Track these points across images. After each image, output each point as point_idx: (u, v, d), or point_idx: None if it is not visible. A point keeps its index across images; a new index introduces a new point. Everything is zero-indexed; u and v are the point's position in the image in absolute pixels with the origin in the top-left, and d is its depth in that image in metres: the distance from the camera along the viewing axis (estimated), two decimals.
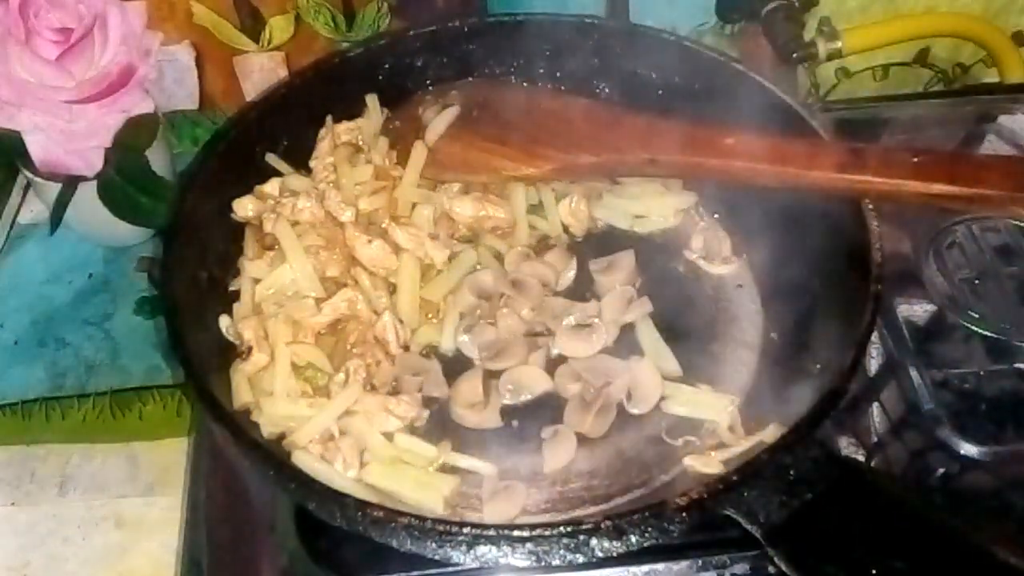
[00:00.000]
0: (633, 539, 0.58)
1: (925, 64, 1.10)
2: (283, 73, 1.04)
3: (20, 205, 1.04)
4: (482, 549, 0.57)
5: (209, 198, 0.78)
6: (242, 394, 0.71)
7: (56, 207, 0.89)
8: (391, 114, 0.89)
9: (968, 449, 0.73)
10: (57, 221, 0.90)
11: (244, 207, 0.80)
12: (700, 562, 0.67)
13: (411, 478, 0.67)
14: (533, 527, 0.56)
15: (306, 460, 0.66)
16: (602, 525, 0.55)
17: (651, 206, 0.85)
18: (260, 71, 1.04)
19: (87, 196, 0.89)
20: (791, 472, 0.58)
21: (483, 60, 0.91)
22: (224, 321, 0.75)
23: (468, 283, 0.79)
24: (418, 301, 0.77)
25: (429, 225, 0.80)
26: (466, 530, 0.56)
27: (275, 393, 0.70)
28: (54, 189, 0.89)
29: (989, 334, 0.79)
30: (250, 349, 0.71)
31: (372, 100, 0.88)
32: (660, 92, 0.88)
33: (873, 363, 0.80)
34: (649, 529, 0.57)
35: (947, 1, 1.05)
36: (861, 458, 0.74)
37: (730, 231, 0.85)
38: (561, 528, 0.55)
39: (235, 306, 0.76)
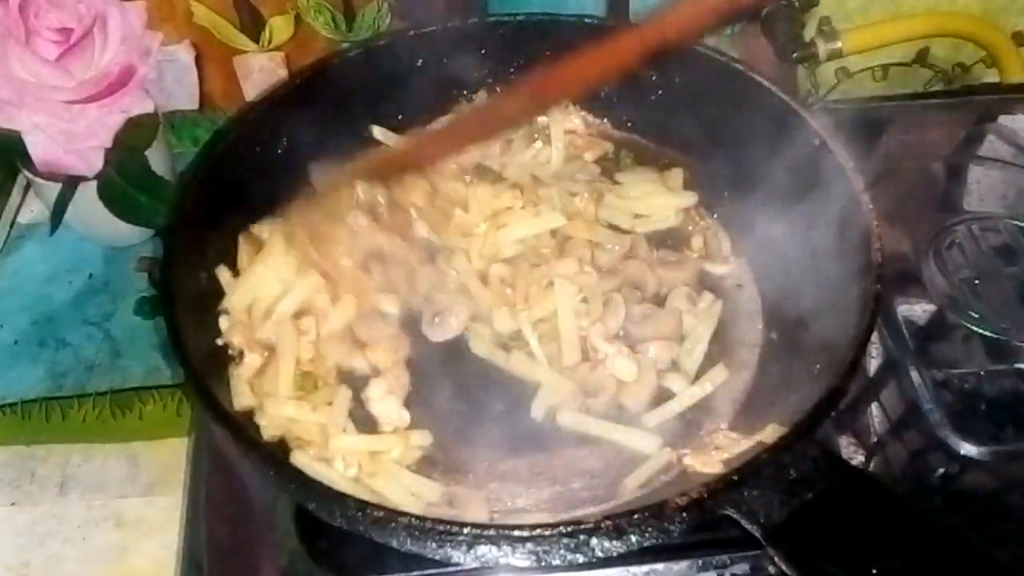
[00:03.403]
0: (633, 539, 0.58)
1: (925, 64, 1.10)
2: (283, 73, 1.04)
3: (20, 205, 1.04)
4: (482, 549, 0.57)
5: (209, 198, 0.77)
6: (243, 396, 0.71)
7: (56, 207, 0.89)
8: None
9: (968, 449, 0.73)
10: (57, 221, 0.90)
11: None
12: (700, 562, 0.67)
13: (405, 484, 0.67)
14: (533, 527, 0.56)
15: (305, 460, 0.66)
16: (602, 525, 0.55)
17: (652, 206, 0.85)
18: (260, 71, 1.04)
19: (87, 196, 0.89)
20: (791, 472, 0.58)
21: (483, 60, 0.91)
22: (224, 322, 0.75)
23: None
24: None
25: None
26: (466, 530, 0.56)
27: (279, 395, 0.70)
28: (54, 189, 0.89)
29: (989, 334, 0.79)
30: (241, 353, 0.72)
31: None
32: (660, 92, 0.88)
33: (873, 363, 0.80)
34: (649, 529, 0.57)
35: (947, 1, 1.05)
36: (861, 458, 0.74)
37: (730, 231, 0.85)
38: (561, 528, 0.55)
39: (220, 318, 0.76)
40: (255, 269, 0.76)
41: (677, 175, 0.87)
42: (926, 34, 1.06)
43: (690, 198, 0.86)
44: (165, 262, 0.71)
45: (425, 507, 0.66)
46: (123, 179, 0.89)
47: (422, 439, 0.70)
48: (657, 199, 0.85)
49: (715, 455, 0.66)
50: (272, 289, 0.76)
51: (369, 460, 0.68)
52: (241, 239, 0.80)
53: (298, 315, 0.75)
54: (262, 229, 0.81)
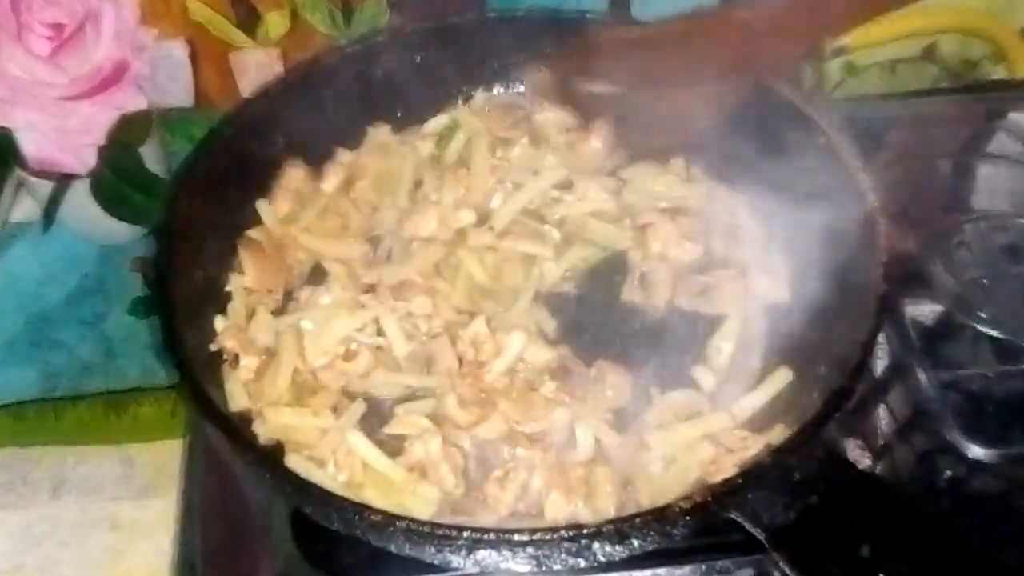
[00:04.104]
0: (636, 543, 0.57)
1: (932, 60, 1.09)
2: (279, 69, 1.03)
3: (12, 203, 1.03)
4: (482, 553, 0.56)
5: (204, 196, 0.77)
6: (238, 398, 0.70)
7: (49, 205, 0.89)
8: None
9: (976, 452, 0.72)
10: (50, 220, 0.89)
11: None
12: (704, 566, 0.67)
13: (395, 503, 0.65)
14: (534, 531, 0.55)
15: (299, 463, 0.65)
16: (604, 529, 0.55)
17: (674, 197, 0.84)
18: (256, 67, 1.03)
19: (80, 194, 0.88)
20: (796, 474, 0.57)
21: (482, 56, 0.91)
22: (219, 322, 0.74)
23: None
24: None
25: None
26: (466, 534, 0.55)
27: (278, 402, 0.70)
28: (46, 187, 0.88)
29: (997, 335, 0.78)
30: (236, 356, 0.71)
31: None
32: None
33: (879, 364, 0.79)
34: (652, 533, 0.56)
35: None
36: (868, 461, 0.74)
37: None
38: (563, 532, 0.55)
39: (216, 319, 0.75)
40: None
41: (680, 165, 0.86)
42: (933, 30, 1.05)
43: (705, 185, 0.84)
44: (159, 262, 0.70)
45: None
46: (117, 176, 0.88)
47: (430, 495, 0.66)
48: (677, 190, 0.84)
49: (728, 459, 0.65)
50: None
51: (362, 470, 0.66)
52: (241, 248, 0.79)
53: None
54: (259, 233, 0.80)
